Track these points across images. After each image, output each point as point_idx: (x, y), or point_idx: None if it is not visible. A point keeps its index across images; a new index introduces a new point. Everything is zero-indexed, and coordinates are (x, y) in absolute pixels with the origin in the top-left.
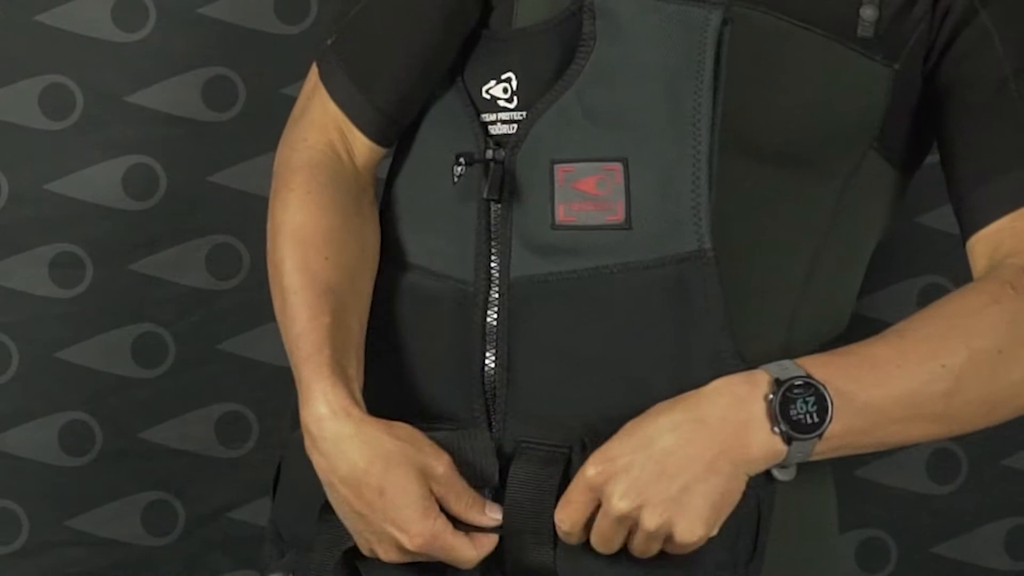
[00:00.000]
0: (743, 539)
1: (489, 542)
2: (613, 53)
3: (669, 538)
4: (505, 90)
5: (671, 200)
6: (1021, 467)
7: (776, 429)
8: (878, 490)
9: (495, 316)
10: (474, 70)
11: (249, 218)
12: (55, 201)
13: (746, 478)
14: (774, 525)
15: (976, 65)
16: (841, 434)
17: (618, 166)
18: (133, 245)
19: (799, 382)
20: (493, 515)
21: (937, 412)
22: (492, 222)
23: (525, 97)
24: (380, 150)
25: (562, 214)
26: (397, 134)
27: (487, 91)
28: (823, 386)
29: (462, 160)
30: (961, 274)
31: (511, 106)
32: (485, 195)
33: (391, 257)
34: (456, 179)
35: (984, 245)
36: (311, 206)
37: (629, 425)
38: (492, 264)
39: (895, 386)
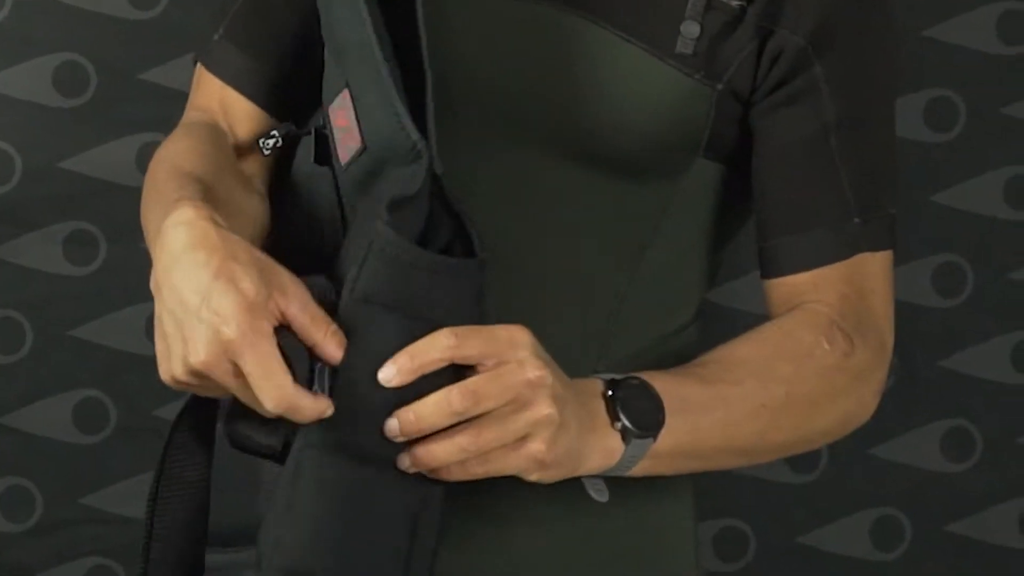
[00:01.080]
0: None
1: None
2: None
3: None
4: None
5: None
6: None
7: (617, 425)
8: (892, 469)
9: None
10: None
11: None
12: (69, 179)
13: (579, 471)
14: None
15: (800, 114)
16: (670, 452)
17: (347, 91)
18: None
19: (634, 382)
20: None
21: (747, 447)
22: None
23: None
24: (262, 118)
25: (343, 155)
26: (281, 103)
27: None
28: (657, 392)
29: (274, 133)
30: (978, 254)
31: None
32: (313, 160)
33: None
34: (266, 153)
35: (782, 291)
36: (187, 140)
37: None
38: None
39: (717, 415)
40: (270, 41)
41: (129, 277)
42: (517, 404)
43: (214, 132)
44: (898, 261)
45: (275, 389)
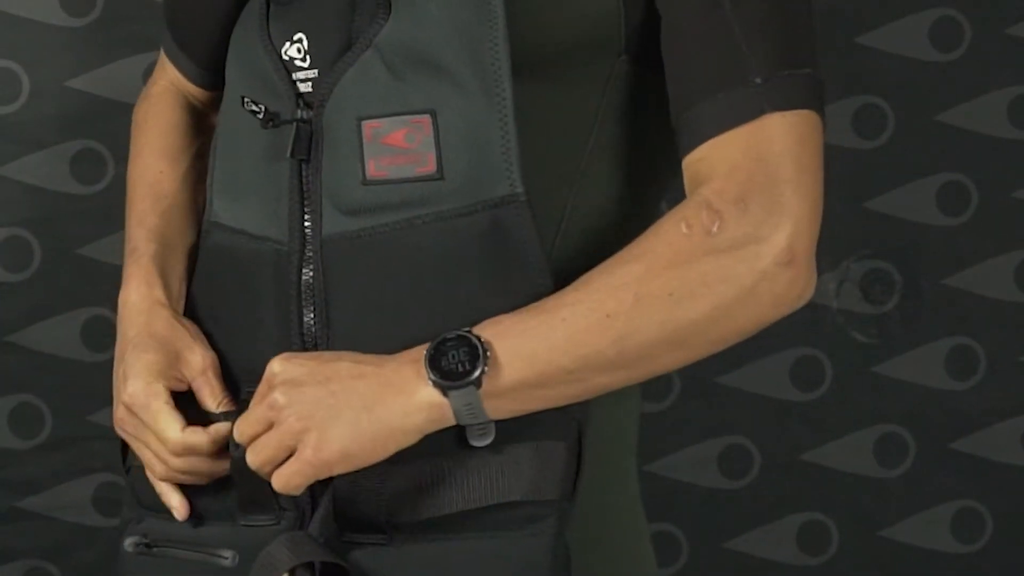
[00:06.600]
0: None
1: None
2: (408, 13)
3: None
4: (299, 50)
5: (482, 148)
6: None
7: (430, 378)
8: (896, 386)
9: (311, 274)
10: (273, 31)
11: None
12: (76, 98)
13: (402, 437)
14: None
15: None
16: (514, 387)
17: (426, 118)
18: None
19: (451, 336)
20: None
21: (608, 361)
22: (304, 181)
23: (317, 56)
24: (212, 93)
25: (372, 169)
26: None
27: (285, 52)
28: (476, 337)
29: (265, 115)
30: (983, 174)
31: (305, 65)
32: (290, 154)
33: (212, 222)
34: (262, 119)
35: (691, 171)
36: (166, 118)
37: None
38: (306, 223)
39: (557, 337)
40: (207, 43)
41: None
42: (271, 425)
43: (187, 110)
44: (904, 179)
45: (171, 440)
